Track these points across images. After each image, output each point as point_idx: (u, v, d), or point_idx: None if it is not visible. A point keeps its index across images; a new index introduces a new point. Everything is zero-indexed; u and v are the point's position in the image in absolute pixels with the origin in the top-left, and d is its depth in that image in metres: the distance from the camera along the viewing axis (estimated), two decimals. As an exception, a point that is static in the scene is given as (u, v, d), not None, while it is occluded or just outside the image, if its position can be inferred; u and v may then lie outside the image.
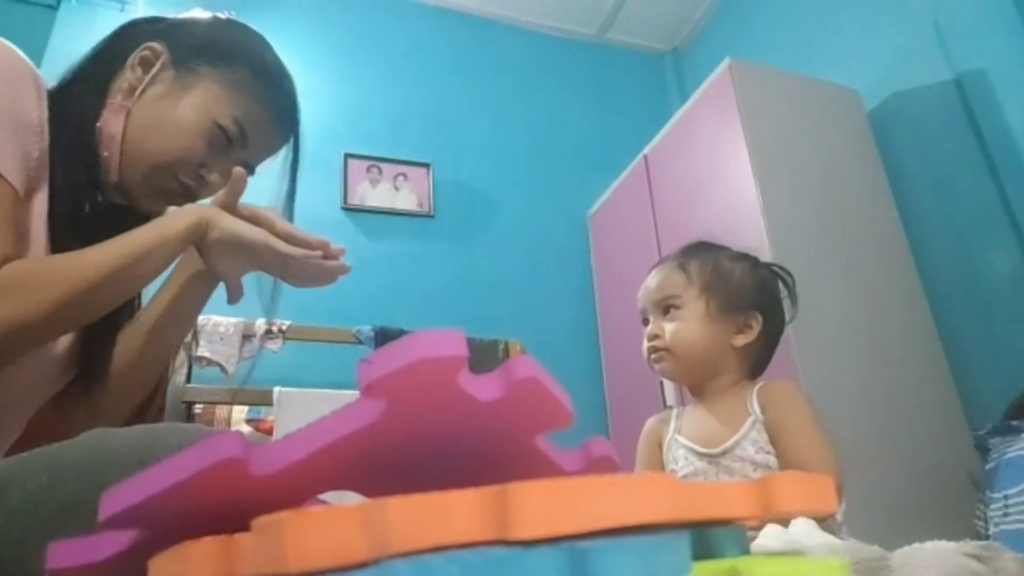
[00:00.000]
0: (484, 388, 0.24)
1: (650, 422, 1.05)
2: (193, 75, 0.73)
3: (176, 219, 0.67)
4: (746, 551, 0.24)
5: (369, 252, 2.39)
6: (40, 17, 2.23)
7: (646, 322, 1.02)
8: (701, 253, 1.02)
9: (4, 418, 0.68)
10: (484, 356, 2.14)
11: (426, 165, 2.62)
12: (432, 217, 2.57)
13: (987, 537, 1.28)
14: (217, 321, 1.96)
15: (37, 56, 2.16)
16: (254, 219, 0.72)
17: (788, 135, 1.90)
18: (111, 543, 0.25)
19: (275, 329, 2.03)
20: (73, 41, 2.21)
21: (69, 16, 2.28)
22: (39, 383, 0.70)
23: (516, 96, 2.94)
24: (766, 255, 1.67)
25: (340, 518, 0.17)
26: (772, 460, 0.88)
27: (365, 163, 2.54)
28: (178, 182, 0.74)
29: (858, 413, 1.58)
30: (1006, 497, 1.28)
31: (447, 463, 0.28)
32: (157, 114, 0.71)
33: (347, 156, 2.51)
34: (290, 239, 0.71)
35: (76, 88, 0.72)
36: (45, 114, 0.65)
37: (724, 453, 0.91)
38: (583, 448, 0.30)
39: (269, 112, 0.76)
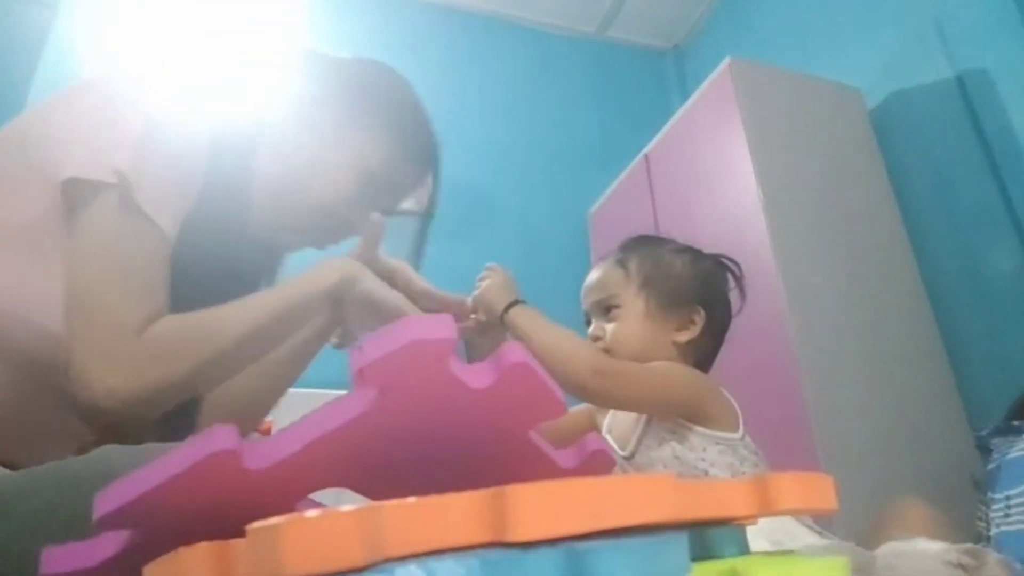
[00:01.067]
0: (476, 375, 0.24)
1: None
2: (348, 119, 0.73)
3: (320, 276, 0.66)
4: (745, 551, 0.24)
5: (369, 251, 2.38)
6: (40, 16, 2.23)
7: (588, 323, 0.99)
8: (641, 247, 0.99)
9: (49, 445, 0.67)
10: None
11: (426, 164, 2.62)
12: (431, 216, 2.57)
13: (988, 538, 1.27)
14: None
15: (36, 56, 2.16)
16: (390, 275, 0.73)
17: (789, 134, 1.89)
18: (105, 548, 0.24)
19: (275, 328, 2.02)
20: (73, 41, 2.21)
21: (69, 15, 2.27)
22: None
23: (515, 94, 2.94)
24: (767, 254, 1.67)
25: (335, 522, 0.17)
26: (687, 457, 0.84)
27: (365, 162, 2.54)
28: (325, 227, 0.75)
29: (859, 413, 1.58)
30: (1008, 498, 1.28)
31: (443, 458, 0.27)
32: (315, 161, 0.71)
33: (347, 155, 2.51)
34: (426, 297, 0.73)
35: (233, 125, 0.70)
36: (204, 157, 0.64)
37: (632, 456, 0.89)
38: (578, 444, 0.30)
39: (415, 157, 0.77)
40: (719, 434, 0.85)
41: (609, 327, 0.94)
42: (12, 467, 0.60)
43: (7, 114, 0.68)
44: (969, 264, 1.76)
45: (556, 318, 2.90)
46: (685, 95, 2.58)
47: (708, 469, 0.83)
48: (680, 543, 0.18)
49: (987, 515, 1.33)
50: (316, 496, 0.26)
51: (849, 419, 1.56)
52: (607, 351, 0.92)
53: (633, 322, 0.93)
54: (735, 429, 0.86)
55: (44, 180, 0.57)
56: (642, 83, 3.19)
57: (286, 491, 0.24)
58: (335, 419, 0.22)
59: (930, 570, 0.57)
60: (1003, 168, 1.70)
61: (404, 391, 0.23)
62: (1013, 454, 1.32)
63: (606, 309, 0.96)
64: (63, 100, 0.62)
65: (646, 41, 3.25)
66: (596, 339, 0.95)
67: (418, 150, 0.78)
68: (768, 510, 0.23)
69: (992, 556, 0.59)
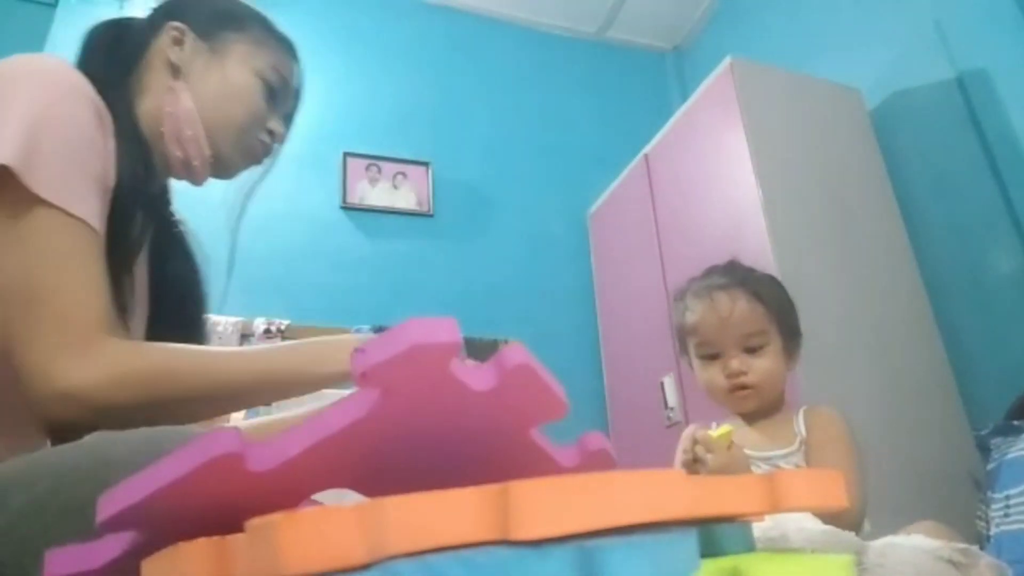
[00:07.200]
0: (478, 377, 0.24)
1: (689, 429, 0.99)
2: (221, 43, 0.78)
3: (330, 358, 0.64)
4: (751, 548, 0.24)
5: (368, 251, 2.38)
6: (39, 15, 2.23)
7: (712, 356, 0.95)
8: (764, 279, 0.99)
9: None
10: (483, 355, 2.13)
11: (425, 164, 2.62)
12: (431, 216, 2.56)
13: (988, 537, 1.27)
14: (215, 320, 1.95)
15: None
16: None
17: (790, 134, 1.89)
18: (107, 549, 0.24)
19: (273, 329, 2.02)
20: (72, 39, 2.20)
21: (68, 14, 2.27)
22: None
23: (516, 94, 2.93)
24: (767, 254, 1.67)
25: (335, 519, 0.17)
26: None
27: (364, 162, 2.54)
28: (258, 140, 0.79)
29: (859, 412, 1.57)
30: (1007, 497, 1.28)
31: (445, 459, 0.27)
32: (217, 84, 0.76)
33: (346, 155, 2.50)
34: None
35: (111, 86, 0.69)
36: (109, 127, 0.63)
37: (767, 459, 0.90)
38: (579, 443, 0.30)
39: (289, 58, 0.83)
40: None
41: (757, 364, 0.92)
42: None
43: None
44: (969, 264, 1.76)
45: (557, 317, 2.88)
46: (685, 95, 2.58)
47: None
48: (690, 540, 0.17)
49: (987, 514, 1.33)
50: (319, 496, 0.26)
51: (849, 419, 1.55)
52: (754, 387, 0.92)
53: (778, 359, 0.94)
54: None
55: None
56: (642, 83, 3.19)
57: (289, 492, 0.24)
58: (338, 421, 0.22)
59: (920, 564, 0.57)
60: (1003, 168, 1.70)
61: (406, 394, 0.23)
62: (1013, 454, 1.32)
63: (750, 345, 0.93)
64: None
65: (647, 42, 3.25)
66: (740, 374, 0.92)
67: (289, 53, 0.83)
68: (777, 507, 0.22)
69: (985, 557, 0.59)
